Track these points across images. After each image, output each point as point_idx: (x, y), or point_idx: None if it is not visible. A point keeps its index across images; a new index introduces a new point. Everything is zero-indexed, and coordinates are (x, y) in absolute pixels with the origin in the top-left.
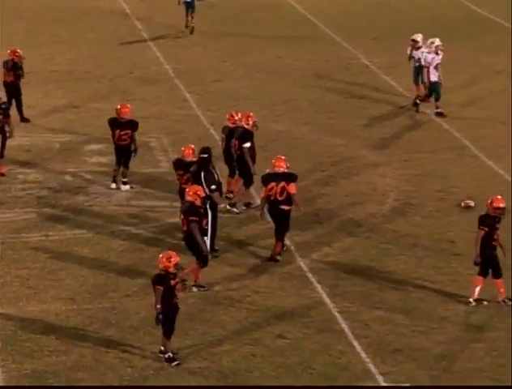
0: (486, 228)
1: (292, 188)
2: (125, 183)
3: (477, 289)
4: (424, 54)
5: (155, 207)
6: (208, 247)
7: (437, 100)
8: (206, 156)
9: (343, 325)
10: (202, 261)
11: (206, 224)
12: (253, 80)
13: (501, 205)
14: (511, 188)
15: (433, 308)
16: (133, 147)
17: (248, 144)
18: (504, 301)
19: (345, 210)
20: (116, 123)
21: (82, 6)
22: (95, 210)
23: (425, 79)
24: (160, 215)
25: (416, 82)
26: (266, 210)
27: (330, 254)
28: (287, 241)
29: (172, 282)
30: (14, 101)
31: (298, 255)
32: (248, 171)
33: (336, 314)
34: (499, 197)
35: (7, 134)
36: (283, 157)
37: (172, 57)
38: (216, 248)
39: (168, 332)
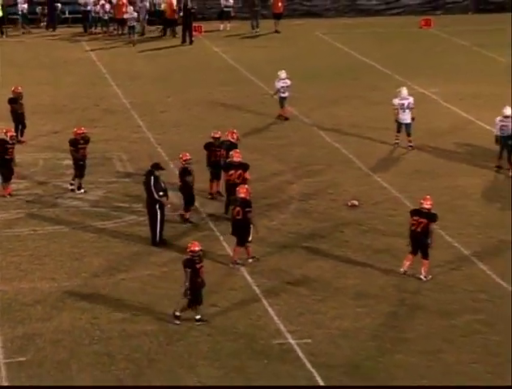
0: (414, 219)
1: (247, 174)
2: (79, 188)
3: (407, 263)
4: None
5: (117, 208)
6: (158, 237)
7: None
8: (154, 170)
9: (260, 296)
10: (243, 243)
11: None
12: (191, 111)
13: (426, 204)
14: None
15: (329, 281)
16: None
17: (247, 172)
18: (420, 278)
19: (262, 208)
20: (76, 141)
21: (61, 56)
22: (70, 210)
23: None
24: (121, 214)
25: (282, 107)
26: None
27: (255, 242)
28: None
29: (197, 265)
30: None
31: (227, 245)
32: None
33: (255, 288)
34: (427, 197)
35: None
36: (238, 151)
37: (128, 94)
38: (164, 238)
39: (191, 303)
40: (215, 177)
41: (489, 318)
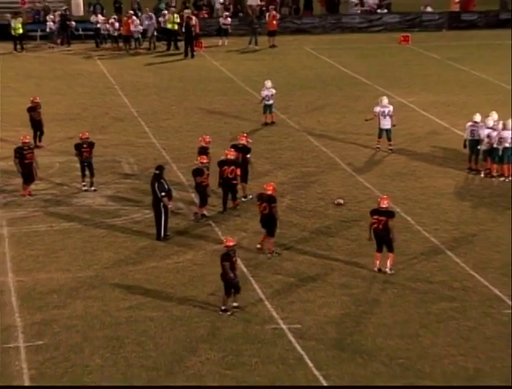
0: (375, 218)
1: (238, 171)
2: (91, 185)
3: (377, 261)
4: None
5: (125, 207)
6: (163, 233)
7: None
8: (158, 172)
9: (255, 286)
10: (273, 234)
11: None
12: (192, 118)
13: (383, 204)
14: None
15: (317, 273)
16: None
17: (249, 155)
18: (386, 272)
19: (256, 206)
20: (80, 145)
21: (75, 69)
22: (83, 209)
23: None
24: (129, 212)
25: (264, 113)
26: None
27: (245, 237)
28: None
29: (234, 259)
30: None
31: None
32: (247, 172)
33: (250, 279)
34: (384, 197)
35: (35, 165)
36: (232, 150)
37: (135, 103)
38: (168, 233)
39: (228, 291)
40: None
41: (462, 306)
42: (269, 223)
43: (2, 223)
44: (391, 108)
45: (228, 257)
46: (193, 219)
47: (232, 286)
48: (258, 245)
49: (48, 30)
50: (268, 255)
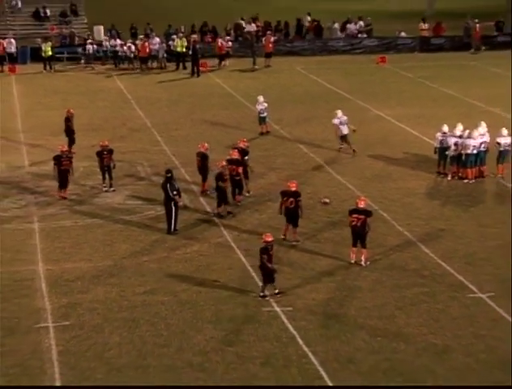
0: (354, 217)
1: (240, 169)
2: (111, 186)
3: (353, 255)
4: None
5: (140, 205)
6: (173, 227)
7: None
8: (169, 174)
9: (253, 274)
10: (297, 225)
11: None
12: (198, 129)
13: (361, 204)
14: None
15: (306, 262)
16: (112, 164)
17: (247, 157)
18: (361, 264)
19: (253, 205)
20: (101, 152)
21: (96, 85)
22: (103, 207)
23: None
24: (143, 209)
25: (260, 124)
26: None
27: (245, 231)
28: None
29: (271, 252)
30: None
31: (226, 233)
32: (248, 172)
33: (249, 268)
34: (362, 198)
35: (71, 171)
36: (236, 150)
37: (149, 115)
38: (177, 228)
39: (266, 280)
40: (203, 179)
41: (432, 291)
42: (294, 215)
43: (34, 219)
44: (346, 118)
45: (266, 250)
46: (214, 214)
47: (268, 275)
48: (282, 236)
49: (87, 52)
50: (294, 243)
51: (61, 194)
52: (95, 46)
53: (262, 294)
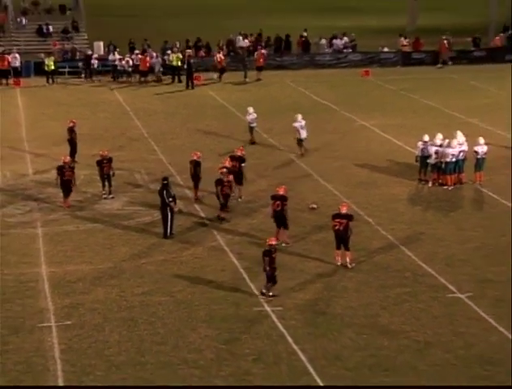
0: (336, 221)
1: (231, 176)
2: (110, 193)
3: (338, 257)
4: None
5: (138, 210)
6: (169, 232)
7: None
8: (166, 182)
9: (244, 275)
10: (287, 228)
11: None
12: (192, 138)
13: (343, 210)
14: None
15: (295, 264)
16: (112, 173)
17: (244, 164)
18: (347, 266)
19: (245, 210)
20: (101, 161)
21: (96, 98)
22: (104, 212)
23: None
24: (141, 215)
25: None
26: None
27: (237, 235)
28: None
29: (273, 255)
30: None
31: (219, 237)
32: (242, 178)
33: (241, 270)
34: (344, 203)
35: (73, 182)
36: (229, 159)
37: (146, 126)
38: (173, 232)
39: (270, 282)
40: (196, 185)
41: (414, 291)
42: (282, 218)
43: (38, 224)
44: (304, 122)
45: (268, 252)
46: (220, 220)
47: (267, 277)
48: (275, 239)
49: (93, 66)
50: (283, 245)
51: (67, 203)
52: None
53: (270, 294)
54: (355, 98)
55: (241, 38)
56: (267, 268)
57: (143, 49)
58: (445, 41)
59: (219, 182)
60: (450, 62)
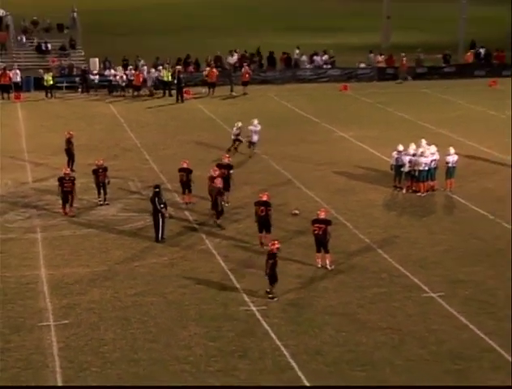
0: (316, 226)
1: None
2: (105, 200)
3: (319, 260)
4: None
5: (132, 216)
6: (160, 236)
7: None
8: (157, 189)
9: (232, 277)
10: (270, 232)
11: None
12: (183, 149)
13: (321, 215)
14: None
15: (278, 266)
16: (107, 181)
17: (232, 171)
18: (327, 267)
19: (232, 216)
20: (97, 170)
21: (92, 111)
22: (99, 218)
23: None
24: (134, 220)
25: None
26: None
27: (224, 239)
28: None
29: (277, 259)
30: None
31: (208, 241)
32: (229, 184)
33: (228, 272)
34: (322, 209)
35: (73, 192)
36: (216, 168)
37: (139, 137)
38: (164, 237)
39: (272, 282)
40: (184, 191)
41: (389, 291)
42: (266, 222)
43: (37, 230)
44: (259, 128)
45: (273, 256)
46: (217, 226)
47: (270, 278)
48: (260, 244)
49: (93, 80)
50: (265, 248)
51: (67, 212)
52: (97, 76)
53: (268, 290)
54: (334, 111)
55: (234, 57)
56: (268, 270)
57: (136, 65)
58: (404, 58)
59: (219, 192)
60: (409, 78)
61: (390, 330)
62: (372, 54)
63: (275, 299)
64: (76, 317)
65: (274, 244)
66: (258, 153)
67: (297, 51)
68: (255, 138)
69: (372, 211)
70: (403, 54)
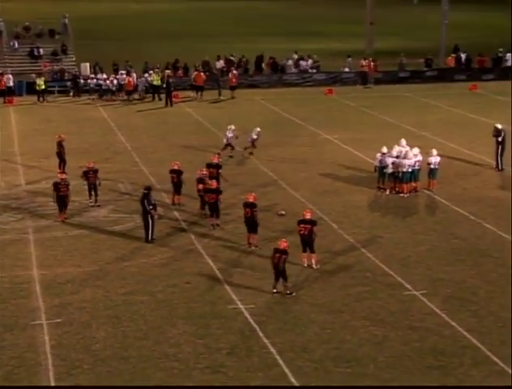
0: (301, 226)
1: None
2: (95, 202)
3: (305, 259)
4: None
5: (122, 217)
6: (150, 236)
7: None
8: (147, 191)
9: (220, 276)
10: (256, 232)
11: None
12: (172, 152)
13: (307, 216)
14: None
15: (265, 266)
16: (98, 182)
17: (221, 170)
18: (313, 267)
19: (224, 216)
20: (87, 172)
21: (84, 115)
22: (90, 219)
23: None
24: (124, 221)
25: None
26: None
27: (212, 239)
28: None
29: (287, 254)
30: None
31: (196, 241)
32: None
33: (216, 271)
34: (308, 210)
35: (68, 197)
36: (205, 169)
37: (129, 140)
38: (154, 237)
39: (285, 278)
40: (176, 192)
41: (373, 289)
42: (252, 223)
43: (30, 231)
44: (233, 134)
45: (284, 252)
46: (211, 228)
47: (279, 274)
48: (248, 244)
49: (91, 86)
50: (253, 248)
51: (62, 217)
52: (94, 81)
53: (274, 291)
54: (319, 114)
55: (221, 62)
56: (281, 265)
57: (127, 70)
58: (372, 63)
59: (219, 192)
60: (372, 81)
61: (373, 327)
62: (350, 58)
63: (293, 294)
64: (68, 316)
65: (283, 242)
66: (248, 158)
67: (295, 56)
68: (231, 140)
69: (356, 211)
70: (371, 59)
